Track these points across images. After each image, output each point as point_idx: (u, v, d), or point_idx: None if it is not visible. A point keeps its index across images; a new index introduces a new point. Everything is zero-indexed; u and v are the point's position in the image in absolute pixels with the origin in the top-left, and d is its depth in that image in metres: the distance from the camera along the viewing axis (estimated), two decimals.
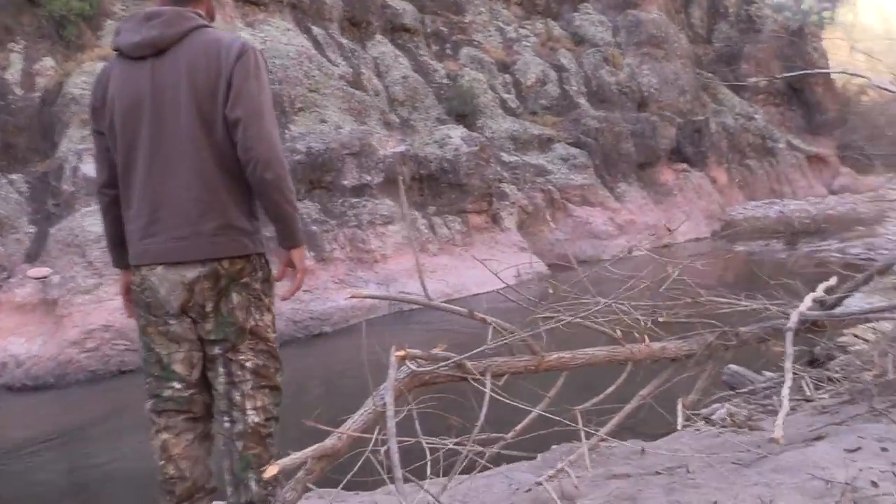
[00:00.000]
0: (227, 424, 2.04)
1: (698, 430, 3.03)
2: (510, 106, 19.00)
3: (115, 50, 2.10)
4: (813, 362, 4.25)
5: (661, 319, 2.72)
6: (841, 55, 30.96)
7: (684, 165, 20.20)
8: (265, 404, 2.07)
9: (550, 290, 2.98)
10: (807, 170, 25.13)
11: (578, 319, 2.73)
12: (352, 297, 2.36)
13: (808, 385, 3.79)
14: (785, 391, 2.24)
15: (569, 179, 16.42)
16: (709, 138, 21.32)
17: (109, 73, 2.10)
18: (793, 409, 3.39)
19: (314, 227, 10.55)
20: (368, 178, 11.53)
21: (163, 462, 2.04)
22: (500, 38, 21.30)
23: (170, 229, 1.99)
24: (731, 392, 4.54)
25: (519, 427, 2.59)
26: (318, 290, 9.61)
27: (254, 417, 2.03)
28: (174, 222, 1.99)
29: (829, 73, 24.19)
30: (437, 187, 12.72)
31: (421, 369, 2.44)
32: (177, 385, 2.04)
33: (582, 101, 20.06)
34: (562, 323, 2.73)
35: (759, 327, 2.88)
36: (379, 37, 18.31)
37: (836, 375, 3.85)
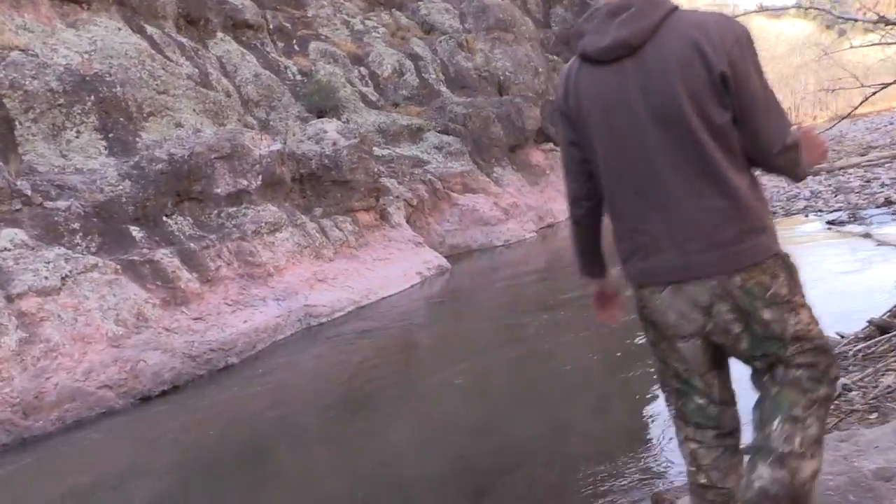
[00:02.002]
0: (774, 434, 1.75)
1: None
2: (370, 99, 18.01)
3: (581, 56, 1.84)
4: None
5: None
6: None
7: (551, 145, 20.09)
8: (819, 416, 1.75)
9: None
10: None
11: None
12: None
13: None
14: None
15: (447, 168, 15.67)
16: None
17: (576, 80, 1.86)
18: None
19: (192, 245, 9.02)
20: (245, 182, 10.10)
21: (693, 469, 1.89)
22: (346, 31, 20.27)
23: (679, 245, 1.76)
24: None
25: None
26: (212, 317, 8.14)
27: (813, 429, 1.73)
28: (685, 237, 1.75)
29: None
30: (320, 187, 11.48)
31: None
32: (699, 400, 1.85)
33: (443, 88, 19.42)
34: None
35: None
36: (220, 34, 16.72)
37: None
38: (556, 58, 26.55)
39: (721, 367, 1.87)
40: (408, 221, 13.29)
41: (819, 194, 11.76)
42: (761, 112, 1.70)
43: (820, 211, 10.64)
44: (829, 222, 9.59)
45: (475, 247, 14.43)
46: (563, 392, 4.91)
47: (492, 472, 3.65)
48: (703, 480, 1.87)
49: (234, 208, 9.93)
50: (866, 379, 3.39)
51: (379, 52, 19.40)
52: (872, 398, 3.19)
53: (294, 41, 18.62)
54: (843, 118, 7.48)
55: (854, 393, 3.35)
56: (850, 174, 13.10)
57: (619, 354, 5.42)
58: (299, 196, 11.26)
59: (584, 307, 7.72)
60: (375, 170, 12.44)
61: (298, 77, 17.11)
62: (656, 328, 1.85)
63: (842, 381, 3.44)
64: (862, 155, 16.50)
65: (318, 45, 18.52)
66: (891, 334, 3.58)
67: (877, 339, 3.62)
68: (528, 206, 16.70)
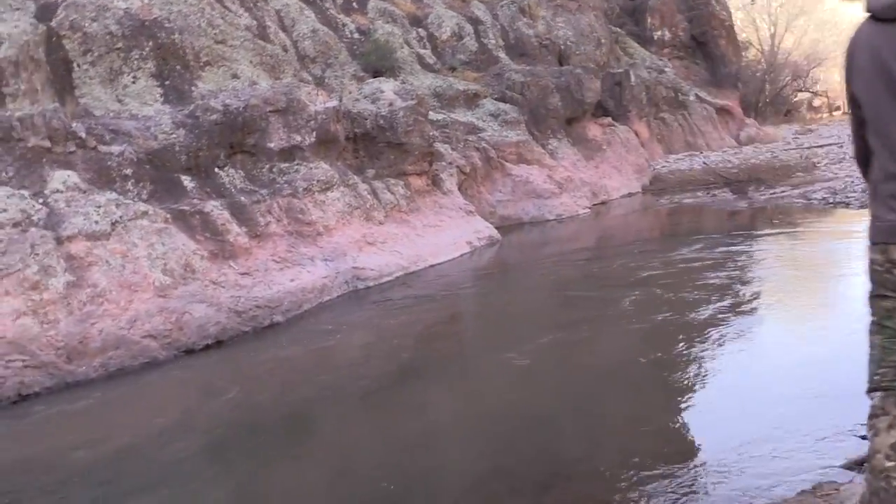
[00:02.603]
0: None
1: None
2: (427, 61, 17.59)
3: (868, 12, 1.84)
4: None
5: None
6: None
7: (609, 119, 19.48)
8: None
9: None
10: (717, 122, 25.12)
11: None
12: None
13: None
14: None
15: (502, 136, 15.26)
16: (630, 91, 20.71)
17: (861, 39, 1.87)
18: None
19: (242, 198, 8.85)
20: (299, 138, 9.87)
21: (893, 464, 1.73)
22: None
23: None
24: None
25: None
26: (259, 273, 7.98)
27: None
28: None
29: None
30: (374, 147, 11.21)
31: None
32: None
33: (502, 54, 18.91)
34: None
35: None
36: None
37: None
38: (619, 30, 25.71)
39: None
40: (459, 189, 12.97)
41: None
42: None
43: None
44: None
45: (526, 219, 14.07)
46: (633, 380, 4.60)
47: (557, 466, 3.35)
48: None
49: (287, 164, 9.72)
50: None
51: (438, 14, 18.94)
52: None
53: None
54: None
55: None
56: None
57: (699, 341, 5.07)
58: (352, 156, 11.01)
59: (663, 285, 7.32)
60: (430, 134, 12.10)
61: (356, 35, 16.77)
62: None
63: None
64: None
65: (376, 4, 18.13)
66: None
67: None
68: (582, 180, 16.23)
